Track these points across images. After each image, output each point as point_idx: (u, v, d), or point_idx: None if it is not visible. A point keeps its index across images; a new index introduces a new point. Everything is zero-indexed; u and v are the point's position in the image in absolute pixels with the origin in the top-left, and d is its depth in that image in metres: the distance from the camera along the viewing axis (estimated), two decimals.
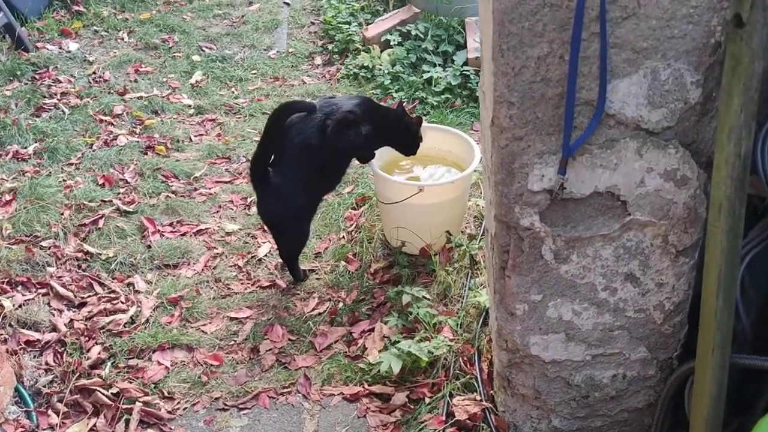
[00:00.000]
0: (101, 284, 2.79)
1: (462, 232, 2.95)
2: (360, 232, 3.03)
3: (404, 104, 3.85)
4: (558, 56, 1.34)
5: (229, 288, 2.83)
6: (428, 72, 4.04)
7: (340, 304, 2.70)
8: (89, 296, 2.73)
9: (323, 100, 2.61)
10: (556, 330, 1.71)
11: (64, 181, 3.30)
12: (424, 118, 3.81)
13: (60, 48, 4.44)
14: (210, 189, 3.40)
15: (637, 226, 1.54)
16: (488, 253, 1.83)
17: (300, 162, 2.51)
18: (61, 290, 2.71)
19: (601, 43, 1.31)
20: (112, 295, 2.74)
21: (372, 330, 2.54)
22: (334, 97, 2.67)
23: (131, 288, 2.79)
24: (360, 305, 2.68)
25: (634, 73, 1.35)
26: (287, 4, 5.21)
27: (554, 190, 1.47)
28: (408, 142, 2.71)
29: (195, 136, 3.81)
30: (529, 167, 1.47)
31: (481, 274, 2.68)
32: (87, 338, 2.53)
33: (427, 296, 2.55)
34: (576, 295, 1.65)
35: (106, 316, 2.64)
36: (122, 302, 2.71)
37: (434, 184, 2.69)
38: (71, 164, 3.45)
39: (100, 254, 2.91)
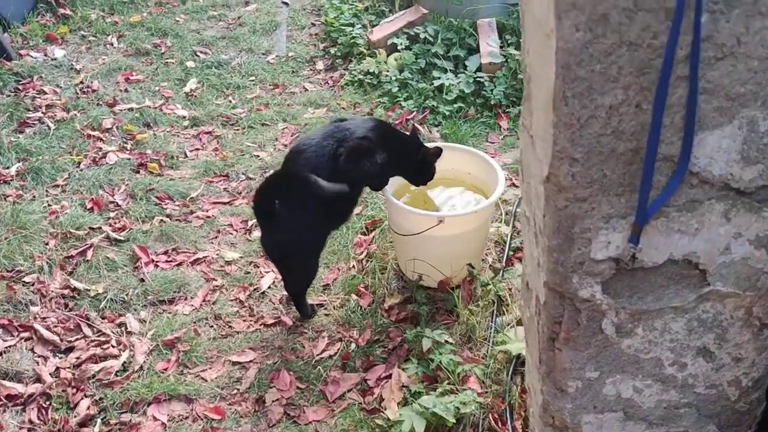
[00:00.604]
0: (90, 325, 2.54)
1: (483, 259, 2.71)
2: (371, 261, 2.79)
3: (415, 114, 3.62)
4: (634, 105, 1.09)
5: (230, 326, 2.59)
6: (439, 78, 3.78)
7: (353, 345, 2.46)
8: (77, 339, 2.49)
9: (334, 125, 2.35)
10: (614, 408, 1.47)
11: (49, 205, 3.05)
12: (435, 129, 3.58)
13: (45, 55, 4.16)
14: (207, 211, 3.15)
15: (716, 297, 1.30)
16: (532, 316, 1.59)
17: (309, 194, 2.26)
18: (46, 334, 2.46)
19: (689, 89, 1.06)
20: (102, 338, 2.49)
21: (389, 377, 2.30)
22: (345, 120, 2.41)
23: (123, 329, 2.54)
24: (374, 347, 2.43)
25: (727, 123, 1.10)
26: (286, 3, 4.93)
27: (623, 260, 1.22)
28: (422, 173, 2.47)
29: (190, 150, 3.56)
30: (593, 233, 1.22)
31: (508, 311, 2.44)
32: (75, 390, 2.29)
33: (450, 340, 2.31)
34: (638, 371, 1.41)
35: (96, 363, 2.40)
36: (113, 346, 2.47)
37: (455, 214, 2.43)
38: (57, 186, 3.19)
39: (89, 290, 2.66)
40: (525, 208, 1.55)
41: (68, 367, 2.38)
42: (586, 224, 1.21)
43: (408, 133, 2.53)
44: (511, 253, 2.76)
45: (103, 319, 2.58)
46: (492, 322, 2.38)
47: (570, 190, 1.18)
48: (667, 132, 1.11)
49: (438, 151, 2.44)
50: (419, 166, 2.45)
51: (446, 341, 2.29)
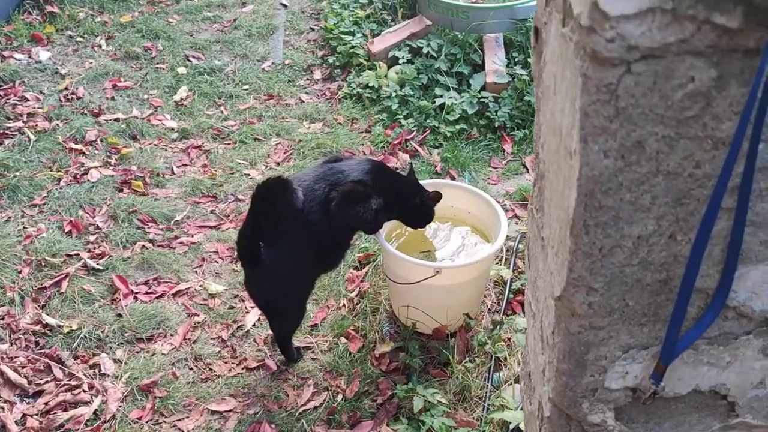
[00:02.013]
0: (61, 367, 2.39)
1: (483, 301, 2.56)
2: (363, 301, 2.64)
3: (414, 134, 3.44)
4: (667, 235, 0.93)
5: (210, 369, 2.45)
6: (441, 97, 3.60)
7: (339, 397, 2.32)
8: (46, 382, 2.34)
9: (326, 166, 2.19)
10: None
11: (24, 228, 2.89)
12: (435, 151, 3.41)
13: (29, 57, 3.97)
14: (192, 236, 2.99)
15: (744, 428, 1.15)
16: (533, 412, 1.44)
17: (298, 240, 2.10)
18: (14, 376, 2.32)
19: (735, 221, 0.90)
20: (73, 382, 2.35)
21: None
22: (339, 161, 2.25)
23: (96, 371, 2.40)
24: (362, 400, 2.29)
25: None
26: (284, 5, 4.72)
27: (642, 395, 1.07)
28: (420, 218, 2.31)
29: (178, 167, 3.38)
30: (608, 361, 1.07)
31: (506, 367, 2.30)
32: None
33: (443, 400, 2.17)
34: None
35: (66, 410, 2.26)
36: (84, 391, 2.32)
37: (454, 266, 2.28)
38: (34, 206, 3.03)
39: (62, 326, 2.51)
40: (530, 299, 1.40)
41: (36, 414, 2.24)
42: (601, 352, 1.06)
43: (405, 175, 2.36)
44: (512, 296, 2.61)
45: (75, 359, 2.43)
46: (489, 380, 2.23)
47: (585, 318, 1.02)
48: (703, 264, 0.95)
49: (438, 196, 2.29)
50: (418, 211, 2.30)
51: (439, 402, 2.15)
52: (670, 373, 1.04)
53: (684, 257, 0.94)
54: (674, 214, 0.91)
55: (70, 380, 2.35)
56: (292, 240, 2.11)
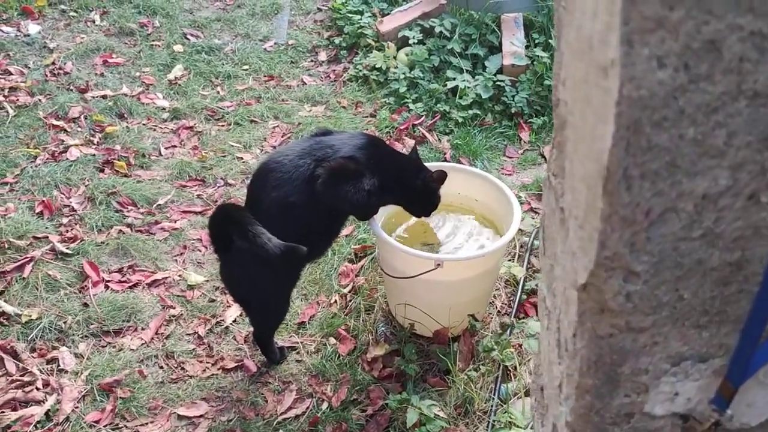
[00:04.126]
0: (15, 360, 2.13)
1: (491, 302, 2.27)
2: (357, 297, 2.35)
3: (423, 119, 3.17)
4: (746, 195, 0.64)
5: (182, 368, 2.18)
6: (454, 79, 3.31)
7: (325, 405, 2.03)
8: None
9: (314, 139, 1.91)
10: None
11: None
12: (445, 137, 3.12)
13: (18, 30, 3.74)
14: (175, 222, 2.72)
15: None
16: None
17: (279, 223, 1.82)
18: None
19: None
20: (27, 378, 2.09)
21: None
22: (329, 134, 1.97)
23: (54, 366, 2.14)
24: (350, 410, 2.01)
25: None
26: None
27: (697, 426, 0.78)
28: (422, 203, 2.02)
29: (166, 148, 3.13)
30: (651, 377, 0.77)
31: (515, 377, 2.00)
32: None
33: (441, 414, 1.88)
34: None
35: (14, 409, 1.99)
36: (38, 388, 2.06)
37: (457, 258, 1.98)
38: (5, 183, 2.78)
39: (20, 315, 2.25)
40: (544, 293, 1.11)
41: None
42: (642, 364, 0.77)
43: (407, 153, 2.08)
44: (525, 297, 2.31)
45: (32, 352, 2.17)
46: (495, 392, 1.94)
47: (621, 316, 0.73)
48: None
49: (442, 176, 1.99)
50: (420, 194, 2.00)
51: (436, 415, 1.86)
52: (739, 396, 0.75)
53: None
54: (759, 163, 0.62)
55: (23, 375, 2.09)
56: (271, 223, 1.83)
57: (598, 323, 0.77)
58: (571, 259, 0.83)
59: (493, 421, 1.87)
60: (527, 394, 1.92)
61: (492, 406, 1.91)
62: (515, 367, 2.01)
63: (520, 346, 2.10)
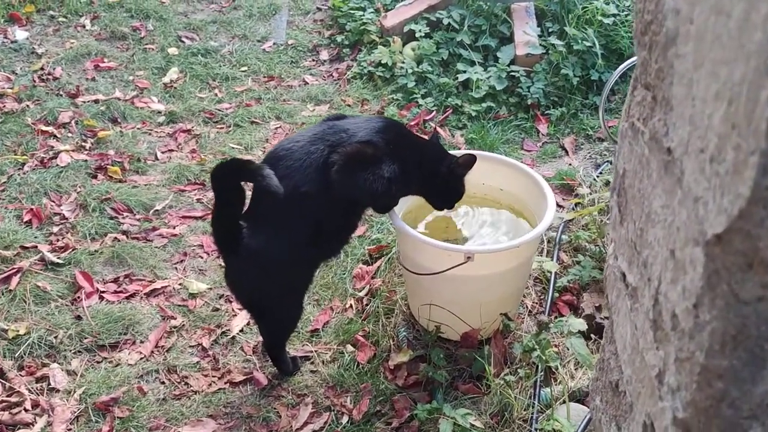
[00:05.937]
0: (1, 379, 1.93)
1: (521, 301, 2.08)
2: (375, 301, 2.16)
3: (434, 114, 3.00)
4: None
5: (186, 383, 1.98)
6: (464, 72, 3.14)
7: (345, 419, 1.84)
8: None
9: (327, 124, 1.73)
10: None
11: None
12: (459, 132, 2.95)
13: (5, 37, 3.58)
14: (174, 228, 2.54)
15: None
16: None
17: (289, 217, 1.64)
18: None
19: None
20: (14, 398, 1.89)
21: None
22: (344, 118, 1.79)
23: (44, 385, 1.94)
24: (373, 423, 1.81)
25: None
26: None
27: None
28: (447, 192, 1.84)
29: (162, 152, 2.94)
30: None
31: (556, 380, 1.81)
32: None
33: (477, 423, 1.68)
34: None
35: None
36: (27, 410, 1.86)
37: (489, 249, 1.79)
38: None
39: (6, 330, 2.05)
40: (623, 269, 0.92)
41: None
42: None
43: (428, 138, 1.90)
44: (557, 295, 2.12)
45: (20, 369, 1.98)
46: (535, 397, 1.74)
47: None
48: None
49: (470, 160, 1.81)
50: (443, 183, 1.82)
51: (473, 425, 1.66)
52: None
53: None
54: None
55: (9, 396, 1.89)
56: (280, 218, 1.65)
57: (742, 284, 0.58)
58: (692, 207, 0.64)
59: (536, 429, 1.67)
60: (571, 397, 1.72)
61: (533, 413, 1.71)
62: (557, 368, 1.81)
63: (557, 346, 1.91)
